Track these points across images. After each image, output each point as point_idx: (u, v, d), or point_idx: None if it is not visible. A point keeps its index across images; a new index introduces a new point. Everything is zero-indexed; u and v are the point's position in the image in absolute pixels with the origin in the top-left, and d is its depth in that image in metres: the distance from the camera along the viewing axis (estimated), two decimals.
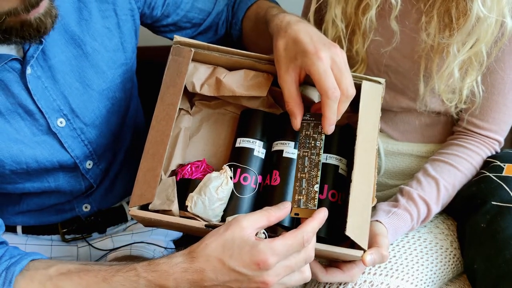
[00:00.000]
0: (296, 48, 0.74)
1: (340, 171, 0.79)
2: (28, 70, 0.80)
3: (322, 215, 0.70)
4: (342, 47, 0.94)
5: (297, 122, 0.76)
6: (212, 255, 0.65)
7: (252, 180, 0.77)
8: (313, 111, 0.80)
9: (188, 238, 1.21)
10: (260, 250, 0.63)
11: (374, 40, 0.95)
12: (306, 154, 0.76)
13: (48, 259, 0.76)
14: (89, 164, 0.93)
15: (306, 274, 0.69)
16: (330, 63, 0.72)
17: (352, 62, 0.98)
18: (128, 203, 1.10)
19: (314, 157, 0.75)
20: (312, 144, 0.76)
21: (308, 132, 0.77)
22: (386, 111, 1.02)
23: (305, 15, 1.05)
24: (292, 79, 0.75)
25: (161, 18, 0.99)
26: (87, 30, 0.86)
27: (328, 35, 0.96)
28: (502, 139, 0.95)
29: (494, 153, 0.96)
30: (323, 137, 0.76)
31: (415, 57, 0.92)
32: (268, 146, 0.80)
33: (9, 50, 0.79)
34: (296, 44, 0.74)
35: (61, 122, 0.86)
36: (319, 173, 0.74)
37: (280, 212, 0.69)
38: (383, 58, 0.96)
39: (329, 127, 0.74)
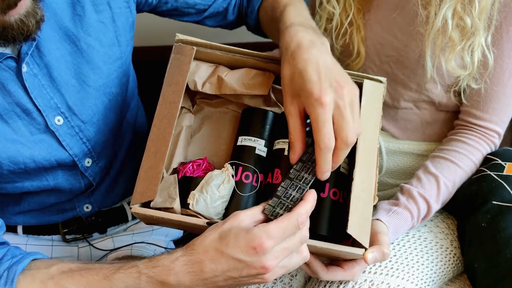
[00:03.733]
0: (301, 84, 0.70)
1: (341, 169, 0.79)
2: (24, 68, 0.80)
3: (312, 197, 0.70)
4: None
5: (293, 158, 0.74)
6: (210, 246, 0.66)
7: (253, 178, 0.77)
8: None
9: (189, 238, 1.21)
10: (255, 235, 0.64)
11: (372, 31, 0.96)
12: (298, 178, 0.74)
13: (49, 258, 0.76)
14: (88, 162, 0.93)
15: (304, 254, 0.69)
16: (333, 109, 0.69)
17: (349, 53, 0.99)
18: (129, 203, 1.10)
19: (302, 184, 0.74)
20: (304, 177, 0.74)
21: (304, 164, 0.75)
22: (387, 109, 1.02)
23: (311, 8, 1.05)
24: (297, 111, 0.72)
25: (159, 5, 0.98)
26: (81, 26, 0.86)
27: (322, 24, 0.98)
28: (501, 131, 0.95)
29: (493, 148, 0.96)
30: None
31: (418, 42, 0.93)
32: (269, 145, 0.80)
33: (3, 48, 0.79)
34: (301, 79, 0.70)
35: (58, 120, 0.86)
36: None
37: None
38: (384, 48, 0.97)
39: (323, 175, 0.71)
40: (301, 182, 0.73)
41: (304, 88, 0.69)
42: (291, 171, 0.74)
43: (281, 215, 0.68)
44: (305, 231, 0.68)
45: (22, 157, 0.83)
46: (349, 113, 0.69)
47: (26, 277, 0.70)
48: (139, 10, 0.97)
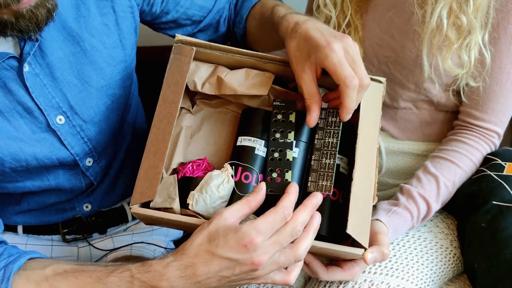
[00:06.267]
0: (308, 46, 0.73)
1: (341, 169, 0.79)
2: (26, 68, 0.81)
3: (294, 189, 0.70)
4: None
5: (310, 120, 0.74)
6: (200, 249, 0.66)
7: (253, 179, 0.77)
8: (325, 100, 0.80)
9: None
10: (244, 232, 0.64)
11: (370, 32, 0.96)
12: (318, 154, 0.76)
13: (45, 258, 0.76)
14: (89, 162, 0.94)
15: (297, 251, 0.68)
16: (344, 54, 0.71)
17: None
18: (129, 203, 1.10)
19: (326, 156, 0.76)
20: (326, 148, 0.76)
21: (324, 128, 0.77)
22: (387, 109, 1.02)
23: (309, 11, 1.06)
24: (310, 77, 0.74)
25: (161, 15, 0.99)
26: (85, 27, 0.86)
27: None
28: (501, 131, 0.95)
29: (493, 148, 0.96)
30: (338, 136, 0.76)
31: (415, 42, 0.93)
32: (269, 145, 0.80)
33: (6, 48, 0.80)
34: (307, 42, 0.74)
35: (60, 120, 0.86)
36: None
37: (258, 196, 0.70)
38: (382, 49, 0.97)
39: (347, 115, 0.73)
40: (329, 148, 0.75)
41: (312, 47, 0.73)
42: (315, 142, 0.76)
43: (327, 185, 0.72)
44: (300, 225, 0.67)
45: (24, 155, 0.84)
46: (358, 58, 0.72)
47: (21, 277, 0.71)
48: (140, 19, 0.98)
